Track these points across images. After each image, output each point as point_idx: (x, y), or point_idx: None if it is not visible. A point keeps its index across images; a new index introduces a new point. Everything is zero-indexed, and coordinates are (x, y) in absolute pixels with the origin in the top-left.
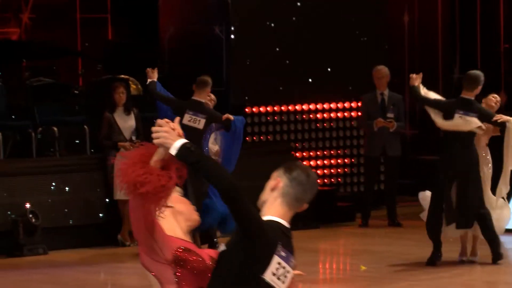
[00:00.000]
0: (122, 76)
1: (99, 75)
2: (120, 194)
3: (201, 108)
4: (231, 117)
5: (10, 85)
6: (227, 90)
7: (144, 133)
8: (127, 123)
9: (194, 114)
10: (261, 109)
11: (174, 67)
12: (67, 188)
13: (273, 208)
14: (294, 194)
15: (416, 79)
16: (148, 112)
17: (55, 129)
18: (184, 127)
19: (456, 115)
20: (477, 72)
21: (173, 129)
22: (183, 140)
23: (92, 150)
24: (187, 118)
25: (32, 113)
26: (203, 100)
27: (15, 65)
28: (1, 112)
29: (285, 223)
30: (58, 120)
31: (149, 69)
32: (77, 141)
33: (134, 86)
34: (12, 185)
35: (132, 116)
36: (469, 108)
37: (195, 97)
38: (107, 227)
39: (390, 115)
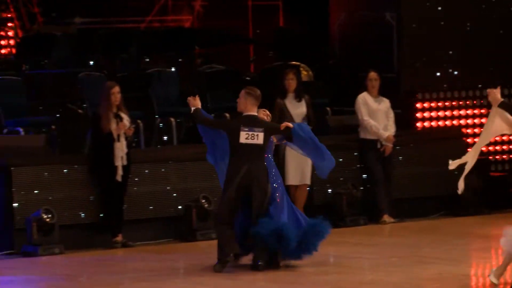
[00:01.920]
0: (293, 62)
1: (271, 62)
2: (291, 179)
3: (256, 122)
4: (290, 125)
5: (183, 72)
6: (398, 76)
7: (315, 119)
8: (298, 109)
9: (250, 130)
10: (433, 95)
11: (344, 53)
12: None
13: None
14: None
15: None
16: (319, 98)
17: (227, 115)
18: (242, 146)
19: None
20: None
21: None
22: None
23: None
24: (244, 136)
25: (204, 99)
26: (255, 114)
27: (188, 52)
28: (174, 98)
29: None
30: (230, 106)
31: (190, 98)
32: None
33: (305, 73)
34: (185, 171)
35: (303, 102)
36: None
37: (247, 113)
38: None
39: None
